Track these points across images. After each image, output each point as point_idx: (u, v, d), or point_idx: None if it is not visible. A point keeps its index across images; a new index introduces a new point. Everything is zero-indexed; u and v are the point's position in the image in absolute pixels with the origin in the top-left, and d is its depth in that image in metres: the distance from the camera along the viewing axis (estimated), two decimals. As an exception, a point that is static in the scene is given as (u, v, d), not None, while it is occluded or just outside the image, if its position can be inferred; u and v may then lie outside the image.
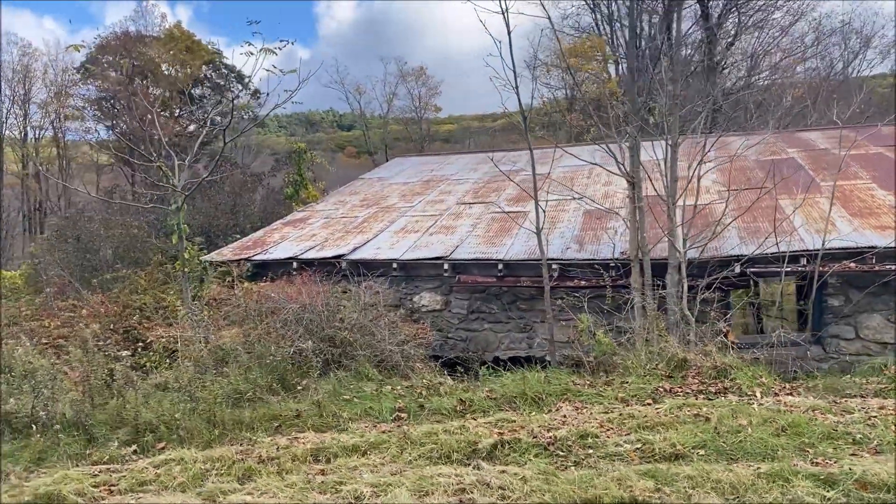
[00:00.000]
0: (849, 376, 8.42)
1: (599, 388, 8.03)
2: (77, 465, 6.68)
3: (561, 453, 6.22)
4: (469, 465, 6.05)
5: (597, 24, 38.57)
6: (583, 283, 11.06)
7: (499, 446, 6.36)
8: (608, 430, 6.66)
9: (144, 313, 12.11)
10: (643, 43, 36.76)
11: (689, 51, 34.31)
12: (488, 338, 12.12)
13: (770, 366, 8.96)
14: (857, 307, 10.64)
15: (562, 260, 11.15)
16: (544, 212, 10.83)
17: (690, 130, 10.62)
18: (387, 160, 40.62)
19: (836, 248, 10.20)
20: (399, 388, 8.84)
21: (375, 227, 14.44)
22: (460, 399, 7.99)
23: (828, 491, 4.95)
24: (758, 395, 7.66)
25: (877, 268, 10.08)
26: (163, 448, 7.23)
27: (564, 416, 7.21)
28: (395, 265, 12.20)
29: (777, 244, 10.18)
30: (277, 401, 8.11)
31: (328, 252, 12.93)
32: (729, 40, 33.72)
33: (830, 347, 10.54)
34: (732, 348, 8.89)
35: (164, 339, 10.66)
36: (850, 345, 10.67)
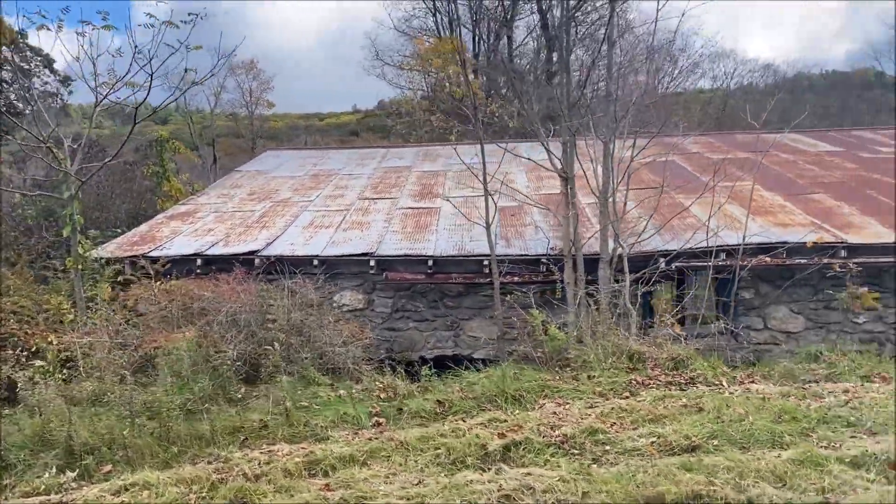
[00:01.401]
0: (792, 363, 8.93)
1: (574, 384, 7.94)
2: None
3: (575, 451, 6.02)
4: (489, 469, 5.70)
5: (438, 27, 39.28)
6: (516, 278, 10.97)
7: (511, 448, 6.05)
8: (611, 425, 6.56)
9: (22, 317, 10.50)
10: (485, 46, 37.75)
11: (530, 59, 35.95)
12: (413, 337, 11.72)
13: (711, 355, 9.32)
14: (765, 299, 11.41)
15: (499, 256, 10.97)
16: (493, 207, 10.61)
17: (618, 131, 10.85)
18: (214, 157, 38.68)
19: (754, 244, 10.84)
20: (354, 391, 8.28)
21: (279, 222, 13.54)
22: (438, 400, 7.58)
23: (864, 472, 5.12)
24: (724, 384, 7.91)
25: (787, 262, 10.84)
26: (109, 472, 6.22)
27: (554, 413, 7.02)
28: (315, 262, 11.47)
29: (706, 240, 10.66)
30: (235, 411, 7.27)
31: (237, 248, 11.92)
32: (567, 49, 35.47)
33: (742, 338, 11.21)
34: (679, 340, 9.16)
35: (57, 346, 9.30)
36: (759, 335, 11.42)
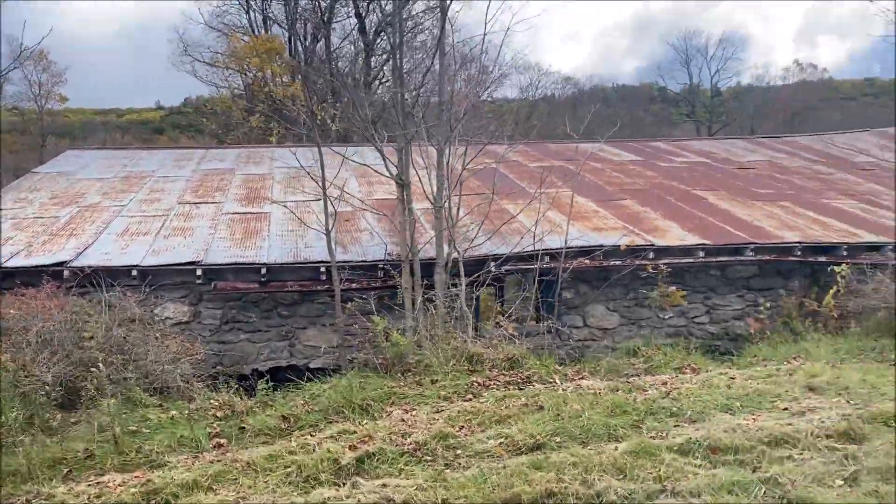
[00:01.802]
0: (615, 359, 9.64)
1: (419, 389, 8.02)
2: None
3: (429, 458, 6.08)
4: (344, 484, 5.60)
5: (251, 24, 38.30)
6: (355, 285, 10.88)
7: (365, 459, 5.99)
8: (459, 428, 6.70)
9: None
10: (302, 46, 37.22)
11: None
12: (245, 349, 11.24)
13: (541, 354, 9.84)
14: (585, 299, 12.22)
15: (339, 262, 10.79)
16: (332, 214, 10.39)
17: (453, 137, 11.12)
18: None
19: (575, 248, 11.56)
20: (187, 411, 7.78)
21: (90, 229, 12.41)
22: (283, 416, 7.32)
23: (691, 458, 5.63)
24: (558, 381, 8.37)
25: (604, 264, 11.68)
26: None
27: (402, 420, 7.05)
28: (134, 273, 10.64)
29: (533, 244, 11.20)
30: (54, 441, 6.55)
31: (42, 259, 10.76)
32: (385, 56, 36.12)
33: (566, 335, 11.92)
34: (513, 340, 9.57)
35: None
36: (579, 332, 12.21)
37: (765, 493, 4.82)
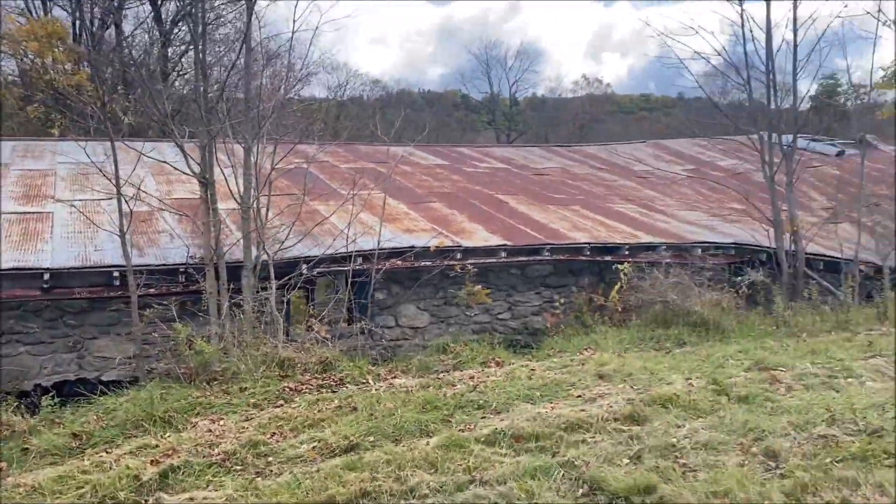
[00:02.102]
0: (425, 356, 9.88)
1: (226, 398, 7.72)
2: None
3: (238, 467, 5.91)
4: (146, 501, 5.29)
5: (28, 5, 34.97)
6: (153, 290, 10.21)
7: (169, 474, 5.67)
8: (271, 435, 6.55)
9: None
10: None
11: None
12: (26, 362, 10.16)
13: (355, 355, 9.87)
14: (397, 299, 12.43)
15: (135, 266, 10.05)
16: (127, 214, 9.65)
17: (260, 135, 10.81)
18: None
19: (387, 249, 11.71)
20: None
21: None
22: (73, 433, 6.71)
23: (498, 448, 5.94)
24: (371, 381, 8.44)
25: (416, 265, 11.96)
26: None
27: (210, 431, 6.76)
28: None
29: (346, 246, 11.19)
30: None
31: None
32: (183, 47, 34.48)
33: (378, 335, 12.05)
34: (326, 343, 9.51)
35: None
36: (392, 332, 12.40)
37: (563, 475, 5.20)
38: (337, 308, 11.15)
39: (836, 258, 14.07)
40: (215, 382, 8.44)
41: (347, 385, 8.31)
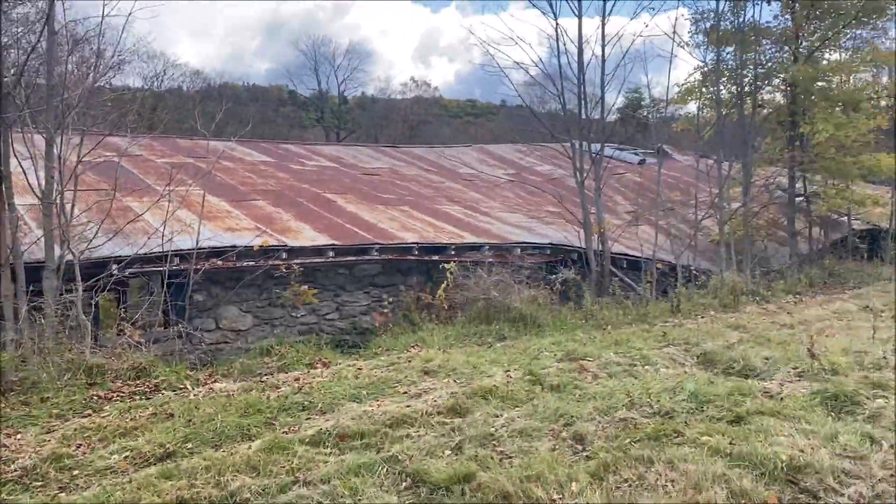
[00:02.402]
0: (248, 360, 9.58)
1: (25, 410, 7.05)
2: None
3: (38, 483, 5.43)
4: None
5: None
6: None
7: (-48, 498, 5.10)
8: (77, 447, 6.08)
9: None
10: None
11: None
12: None
13: (172, 360, 9.38)
14: (217, 301, 11.97)
15: None
16: None
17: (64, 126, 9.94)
18: None
19: (207, 248, 11.24)
20: None
21: None
22: None
23: (322, 448, 5.92)
24: (189, 387, 8.06)
25: (238, 265, 11.58)
26: None
27: (5, 446, 6.15)
28: None
29: (161, 245, 10.59)
30: None
31: None
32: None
33: (197, 339, 11.53)
34: (140, 348, 8.96)
35: None
36: (212, 335, 11.93)
37: (387, 470, 5.28)
38: (152, 311, 10.52)
39: (637, 257, 15.42)
40: (12, 393, 7.67)
41: (164, 391, 7.88)
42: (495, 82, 72.21)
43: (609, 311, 12.40)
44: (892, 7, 19.40)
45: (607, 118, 18.20)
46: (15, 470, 5.51)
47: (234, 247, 11.62)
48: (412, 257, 13.62)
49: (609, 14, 16.23)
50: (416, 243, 13.64)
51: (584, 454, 5.50)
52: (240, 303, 12.23)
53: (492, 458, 5.41)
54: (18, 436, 6.46)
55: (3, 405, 7.14)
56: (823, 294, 15.85)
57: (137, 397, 7.63)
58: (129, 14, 10.62)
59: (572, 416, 6.31)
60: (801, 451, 5.15)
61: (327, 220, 14.29)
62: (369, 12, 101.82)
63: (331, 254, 12.55)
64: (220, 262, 11.33)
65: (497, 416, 6.42)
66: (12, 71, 10.77)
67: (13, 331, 8.81)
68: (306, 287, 12.07)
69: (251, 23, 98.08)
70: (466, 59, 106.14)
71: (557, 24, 15.78)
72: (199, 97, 46.37)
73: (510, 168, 24.66)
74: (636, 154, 26.50)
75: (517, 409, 6.69)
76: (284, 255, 12.05)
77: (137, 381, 8.14)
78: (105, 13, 10.11)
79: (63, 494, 5.22)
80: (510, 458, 5.46)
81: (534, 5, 16.36)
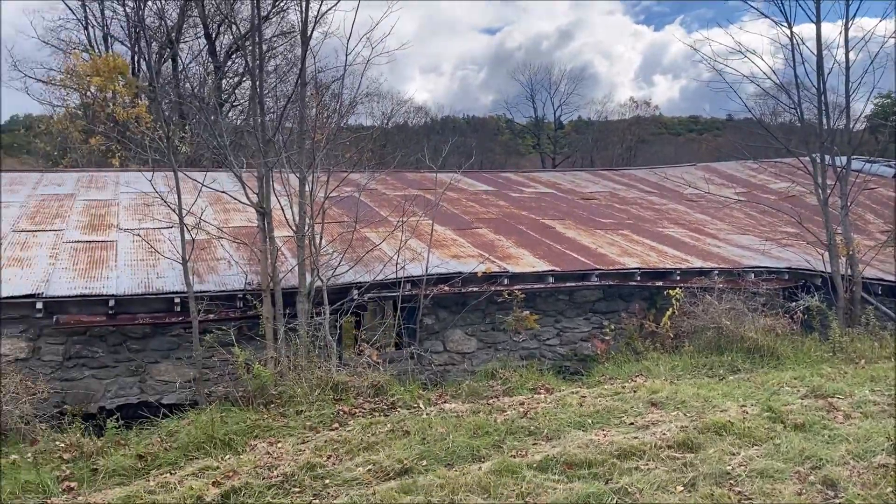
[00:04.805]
0: (474, 382, 9.97)
1: (283, 421, 7.93)
2: None
3: (297, 489, 6.07)
4: (209, 521, 5.48)
5: (91, 41, 36.53)
6: (212, 315, 10.55)
7: (231, 495, 5.87)
8: (327, 457, 6.71)
9: None
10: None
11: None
12: (92, 385, 10.56)
13: (405, 380, 10.01)
14: (444, 324, 12.55)
15: (197, 293, 10.41)
16: (188, 242, 10.05)
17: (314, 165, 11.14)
18: None
19: (435, 275, 11.88)
20: (29, 455, 7.25)
21: None
22: (139, 455, 6.98)
23: (550, 474, 5.99)
24: (422, 406, 8.56)
25: (463, 290, 12.09)
26: None
27: (268, 453, 6.96)
28: (-38, 307, 9.75)
29: (395, 272, 11.40)
30: None
31: None
32: (236, 79, 35.71)
33: (427, 360, 12.17)
34: (377, 367, 9.68)
35: None
36: (439, 356, 12.50)
37: (617, 502, 5.23)
38: (386, 333, 11.31)
39: (895, 283, 13.73)
40: (272, 405, 8.67)
41: (399, 409, 8.45)
42: (722, 98, 68.42)
43: (862, 343, 11.18)
44: None
45: (853, 128, 16.52)
46: (277, 476, 6.21)
47: (459, 273, 12.14)
48: (634, 283, 13.29)
49: (853, 16, 14.74)
50: (639, 268, 13.29)
51: (837, 501, 5.03)
52: (465, 326, 12.71)
53: (729, 497, 5.15)
54: (279, 444, 7.27)
55: (265, 416, 8.07)
56: None
57: (377, 414, 8.25)
58: (368, 61, 11.68)
59: (821, 459, 5.80)
60: None
61: (546, 245, 14.43)
62: (592, 37, 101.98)
63: (550, 280, 12.65)
64: (446, 288, 11.89)
65: (733, 454, 6.08)
66: (267, 118, 12.25)
67: (273, 349, 9.95)
68: (528, 312, 12.26)
69: (477, 57, 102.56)
70: (692, 74, 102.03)
71: (792, 31, 14.70)
72: (424, 131, 49.21)
73: (739, 186, 23.19)
74: (890, 167, 23.66)
75: (756, 447, 6.29)
76: (506, 281, 12.35)
77: (376, 399, 8.79)
78: (347, 63, 11.20)
79: (317, 501, 5.79)
80: (749, 499, 5.16)
81: (765, 16, 15.37)
